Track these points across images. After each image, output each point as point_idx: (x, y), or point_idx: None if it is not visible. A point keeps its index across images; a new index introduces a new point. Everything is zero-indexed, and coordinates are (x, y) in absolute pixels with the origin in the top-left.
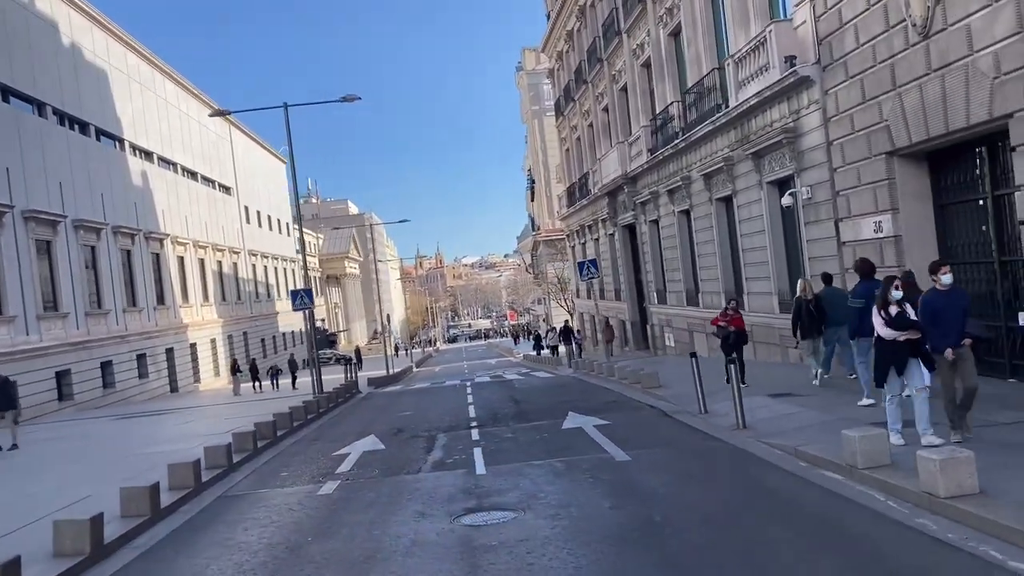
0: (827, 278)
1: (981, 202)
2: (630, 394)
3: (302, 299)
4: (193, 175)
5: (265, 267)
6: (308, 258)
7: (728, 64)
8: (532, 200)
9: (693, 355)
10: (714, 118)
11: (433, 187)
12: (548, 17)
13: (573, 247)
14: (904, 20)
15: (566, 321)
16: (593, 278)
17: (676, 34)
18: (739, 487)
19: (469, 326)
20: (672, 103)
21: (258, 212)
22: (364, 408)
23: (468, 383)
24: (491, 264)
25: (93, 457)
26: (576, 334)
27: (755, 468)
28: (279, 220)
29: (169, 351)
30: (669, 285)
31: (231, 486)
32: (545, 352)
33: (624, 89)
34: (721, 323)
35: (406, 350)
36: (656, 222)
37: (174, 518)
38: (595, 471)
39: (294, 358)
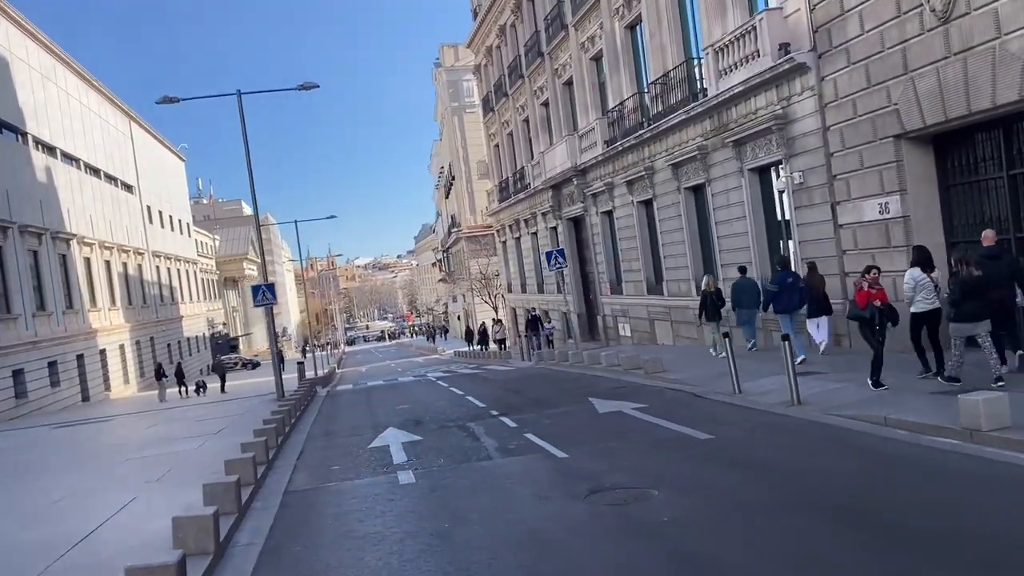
0: (742, 270)
1: (995, 181)
2: (634, 380)
3: (264, 294)
4: (96, 172)
5: (168, 269)
6: (204, 260)
7: (707, 53)
8: (447, 198)
9: (727, 335)
10: (688, 107)
11: (324, 188)
12: (474, 13)
13: (504, 242)
14: (920, 5)
15: (533, 311)
16: (562, 268)
17: (633, 27)
18: (864, 458)
19: (367, 328)
20: (631, 96)
21: (160, 212)
22: (343, 405)
23: (433, 378)
24: (385, 265)
25: (90, 463)
26: (545, 325)
27: (857, 439)
28: (180, 220)
29: (80, 358)
30: (625, 275)
31: (286, 482)
32: (480, 347)
33: (569, 83)
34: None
35: (312, 352)
36: (610, 213)
37: (258, 515)
38: (688, 450)
39: (221, 362)
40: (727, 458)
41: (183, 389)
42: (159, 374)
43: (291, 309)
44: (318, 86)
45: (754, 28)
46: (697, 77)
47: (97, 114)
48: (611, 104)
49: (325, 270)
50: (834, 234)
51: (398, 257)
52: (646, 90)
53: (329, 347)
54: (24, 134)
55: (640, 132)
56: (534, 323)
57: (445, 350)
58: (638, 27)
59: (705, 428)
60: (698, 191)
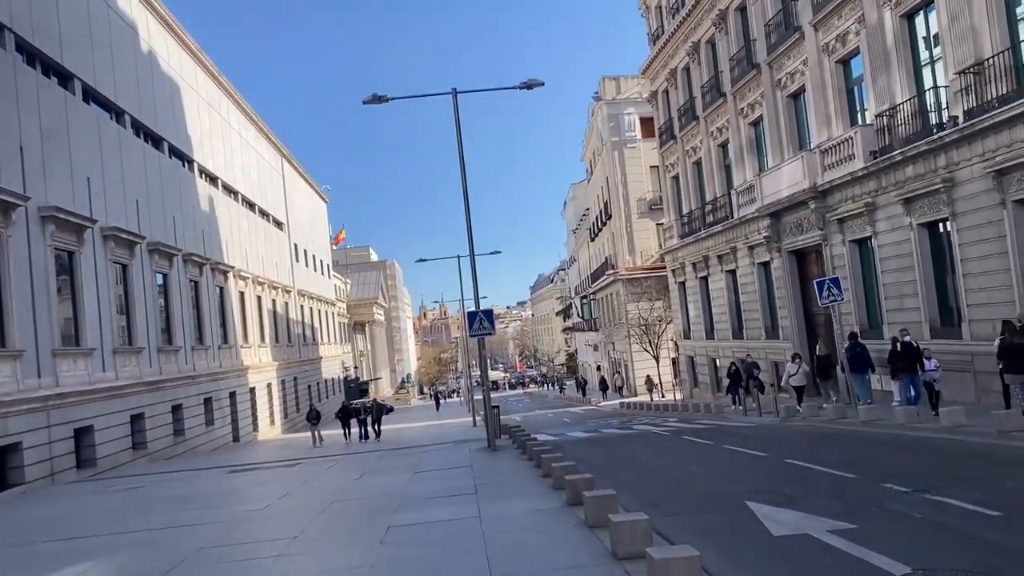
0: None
1: None
2: None
3: (481, 322)
4: (252, 206)
5: (311, 309)
6: (339, 303)
7: None
8: (592, 240)
9: None
10: None
11: (436, 237)
12: (653, 38)
13: (683, 282)
14: None
15: (825, 349)
16: (837, 301)
17: (911, 15)
18: None
19: (471, 377)
20: (906, 100)
21: (305, 251)
22: (592, 463)
23: (665, 432)
24: (496, 316)
25: (338, 530)
26: (929, 365)
27: None
28: (322, 261)
29: (232, 395)
30: (890, 315)
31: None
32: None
33: (796, 94)
34: None
35: (444, 398)
36: (866, 241)
37: None
38: None
39: (380, 404)
40: None
41: (348, 431)
42: (313, 417)
43: (411, 356)
44: (543, 84)
45: None
46: None
47: (254, 148)
48: (877, 108)
49: (437, 319)
50: None
51: (507, 308)
52: (945, 84)
53: (455, 394)
54: (191, 162)
55: (943, 134)
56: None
57: (601, 402)
58: (920, 14)
59: None
60: None
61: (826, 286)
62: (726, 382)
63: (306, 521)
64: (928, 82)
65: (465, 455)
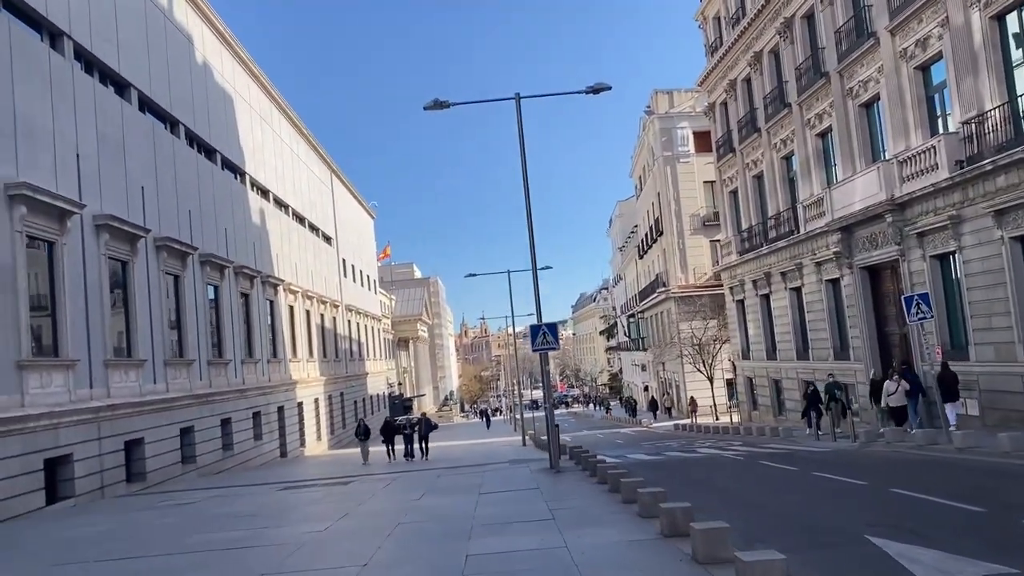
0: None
1: None
2: None
3: (544, 336)
4: (301, 220)
5: (358, 324)
6: (384, 319)
7: None
8: (641, 258)
9: None
10: None
11: (476, 252)
12: (711, 49)
13: (742, 300)
14: None
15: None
16: (926, 318)
17: (1002, 16)
18: None
19: (521, 396)
20: (997, 105)
21: (352, 266)
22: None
23: (731, 456)
24: None
25: (442, 560)
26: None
27: None
28: (368, 276)
29: (280, 410)
30: (977, 335)
31: None
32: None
33: (869, 104)
34: None
35: (490, 415)
36: (949, 256)
37: None
38: None
39: (427, 420)
40: None
41: (391, 449)
42: (363, 433)
43: (453, 373)
44: (610, 88)
45: None
46: None
47: (304, 163)
48: (962, 116)
49: (478, 337)
50: None
51: None
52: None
53: (498, 412)
54: (243, 174)
55: None
56: (912, 386)
57: (652, 423)
58: (1014, 12)
59: None
60: None
61: (915, 302)
62: (803, 404)
63: (373, 546)
64: (1021, 87)
65: (527, 476)
